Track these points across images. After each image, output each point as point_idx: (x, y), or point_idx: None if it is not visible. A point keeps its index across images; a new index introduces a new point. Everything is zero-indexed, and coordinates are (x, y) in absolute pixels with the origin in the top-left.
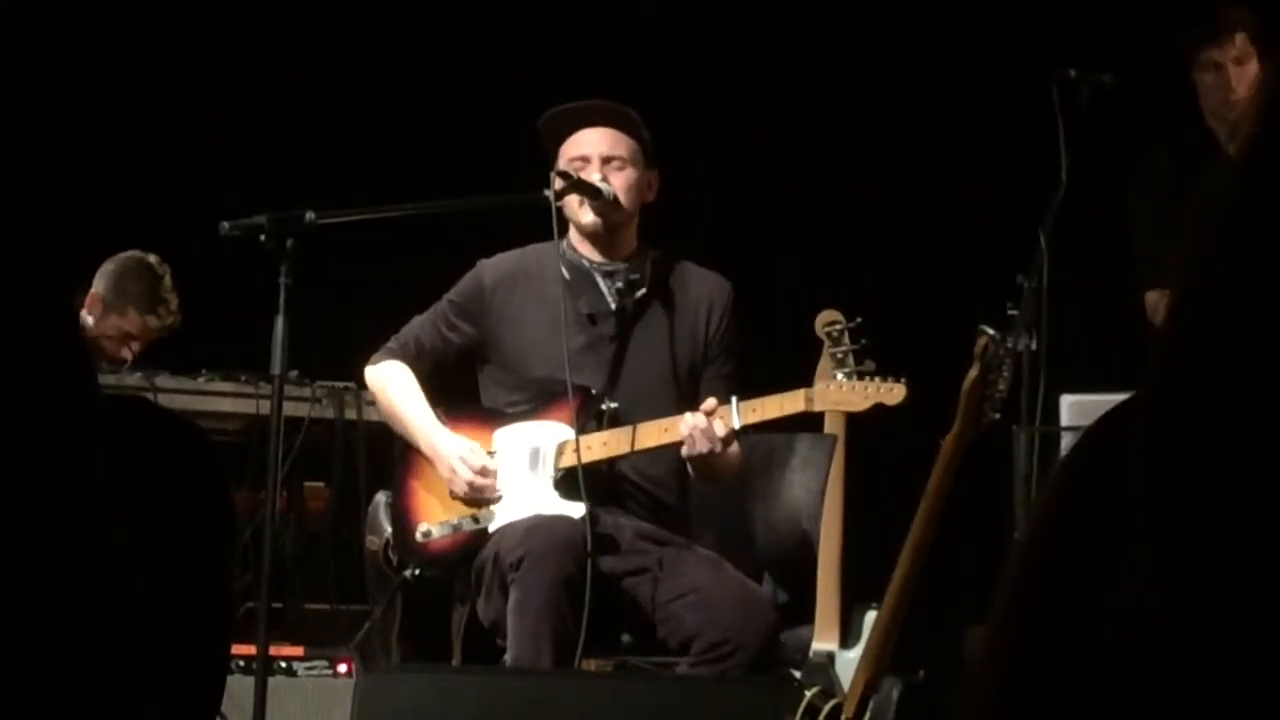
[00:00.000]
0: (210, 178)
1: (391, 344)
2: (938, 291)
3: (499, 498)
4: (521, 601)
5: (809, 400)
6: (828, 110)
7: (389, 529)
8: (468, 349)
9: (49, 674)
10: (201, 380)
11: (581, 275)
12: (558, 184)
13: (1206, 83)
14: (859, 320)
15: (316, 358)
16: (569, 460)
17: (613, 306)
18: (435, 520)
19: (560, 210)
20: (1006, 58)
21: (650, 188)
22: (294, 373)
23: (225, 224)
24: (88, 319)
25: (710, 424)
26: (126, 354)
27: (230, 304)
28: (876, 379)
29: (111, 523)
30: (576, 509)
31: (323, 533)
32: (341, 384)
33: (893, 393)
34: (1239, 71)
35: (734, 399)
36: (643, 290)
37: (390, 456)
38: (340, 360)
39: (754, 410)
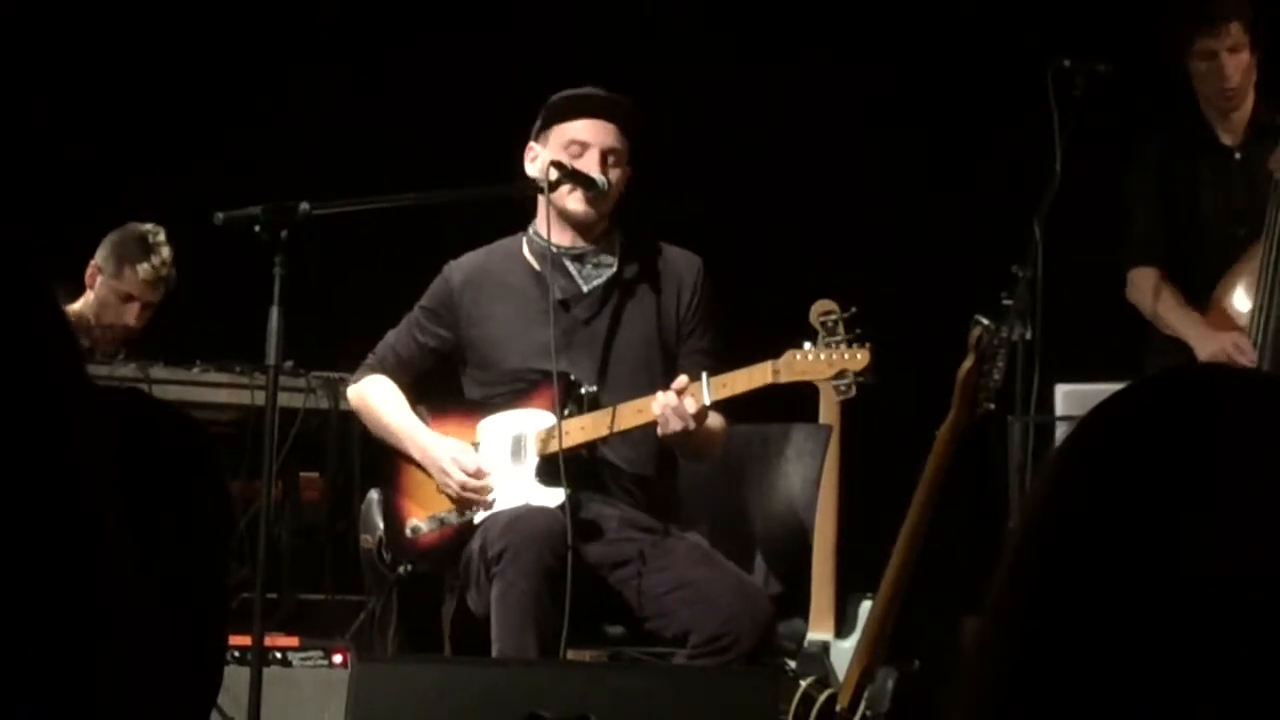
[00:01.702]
0: (205, 169)
1: (370, 359)
2: (932, 281)
3: (493, 501)
4: (504, 594)
5: (775, 372)
6: (822, 100)
7: (381, 526)
8: (444, 352)
9: (49, 669)
10: (196, 371)
11: (549, 261)
12: (553, 174)
13: (1200, 70)
14: (854, 310)
15: (311, 348)
16: (550, 447)
17: (584, 289)
18: (422, 516)
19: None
20: (1002, 47)
21: (624, 184)
22: (289, 363)
23: (220, 215)
24: (89, 295)
25: (681, 402)
26: (129, 319)
27: (225, 295)
28: (841, 345)
29: (108, 517)
30: (557, 496)
31: (318, 523)
32: (336, 374)
33: (857, 358)
34: (1233, 60)
35: (704, 375)
36: (613, 270)
37: (384, 447)
38: (335, 351)
39: (724, 385)
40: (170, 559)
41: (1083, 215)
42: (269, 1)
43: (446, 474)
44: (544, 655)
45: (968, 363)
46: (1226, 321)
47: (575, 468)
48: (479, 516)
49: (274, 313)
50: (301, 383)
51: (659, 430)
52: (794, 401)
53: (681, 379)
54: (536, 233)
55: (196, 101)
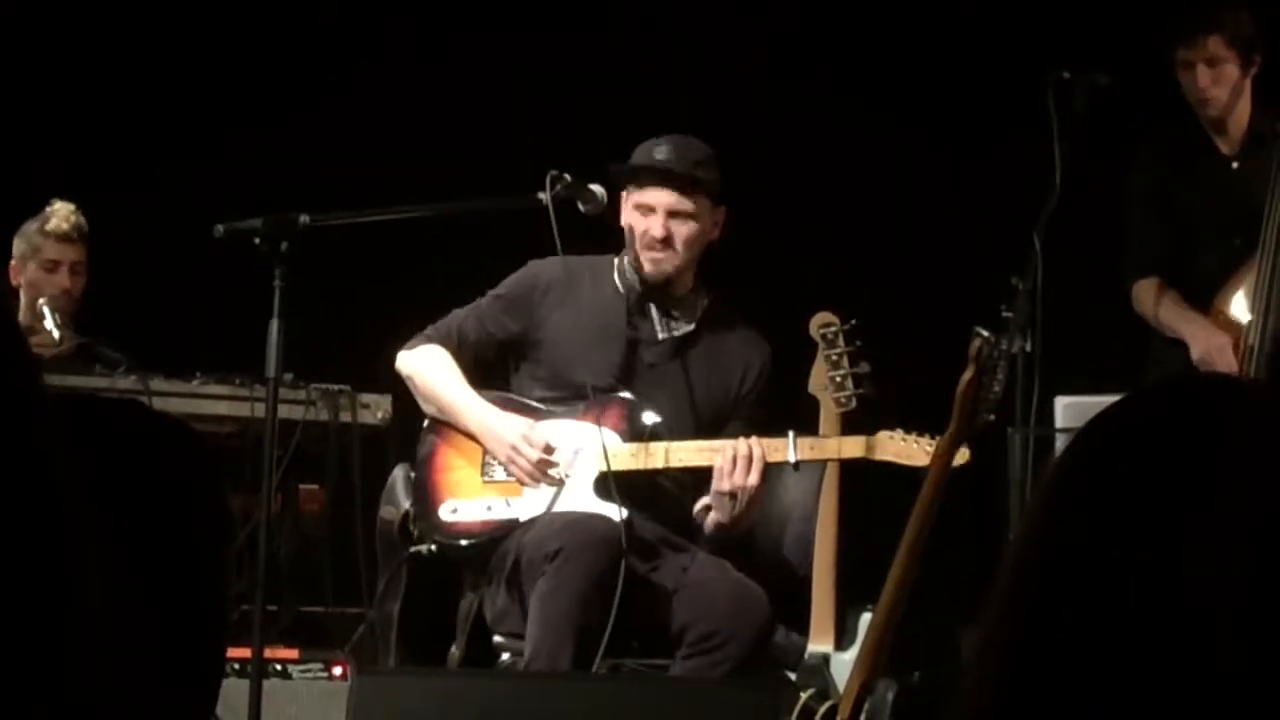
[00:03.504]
0: (205, 180)
1: (430, 331)
2: (932, 293)
3: (562, 480)
4: (553, 592)
5: (869, 448)
6: (823, 112)
7: (407, 503)
8: (509, 344)
9: (19, 694)
10: (196, 383)
11: (636, 297)
12: (554, 187)
13: (1182, 80)
14: (854, 322)
15: (311, 360)
16: (613, 464)
17: (660, 337)
18: (466, 498)
19: (557, 214)
20: (1002, 59)
21: (715, 225)
22: (289, 375)
23: (220, 227)
24: (21, 293)
25: (752, 450)
26: (64, 283)
27: (225, 307)
28: (938, 437)
29: (76, 535)
30: (612, 511)
31: (317, 535)
32: (336, 387)
33: (961, 454)
34: (1210, 73)
35: (790, 433)
36: (690, 329)
37: (384, 460)
38: (335, 363)
39: (811, 448)
40: (168, 570)
41: (1083, 227)
42: (269, 11)
43: (518, 451)
44: (577, 660)
45: (967, 375)
46: (1227, 331)
47: (632, 486)
48: (524, 515)
49: (274, 325)
50: (301, 395)
51: (714, 485)
52: (794, 414)
53: (756, 439)
54: (631, 264)
55: (196, 113)
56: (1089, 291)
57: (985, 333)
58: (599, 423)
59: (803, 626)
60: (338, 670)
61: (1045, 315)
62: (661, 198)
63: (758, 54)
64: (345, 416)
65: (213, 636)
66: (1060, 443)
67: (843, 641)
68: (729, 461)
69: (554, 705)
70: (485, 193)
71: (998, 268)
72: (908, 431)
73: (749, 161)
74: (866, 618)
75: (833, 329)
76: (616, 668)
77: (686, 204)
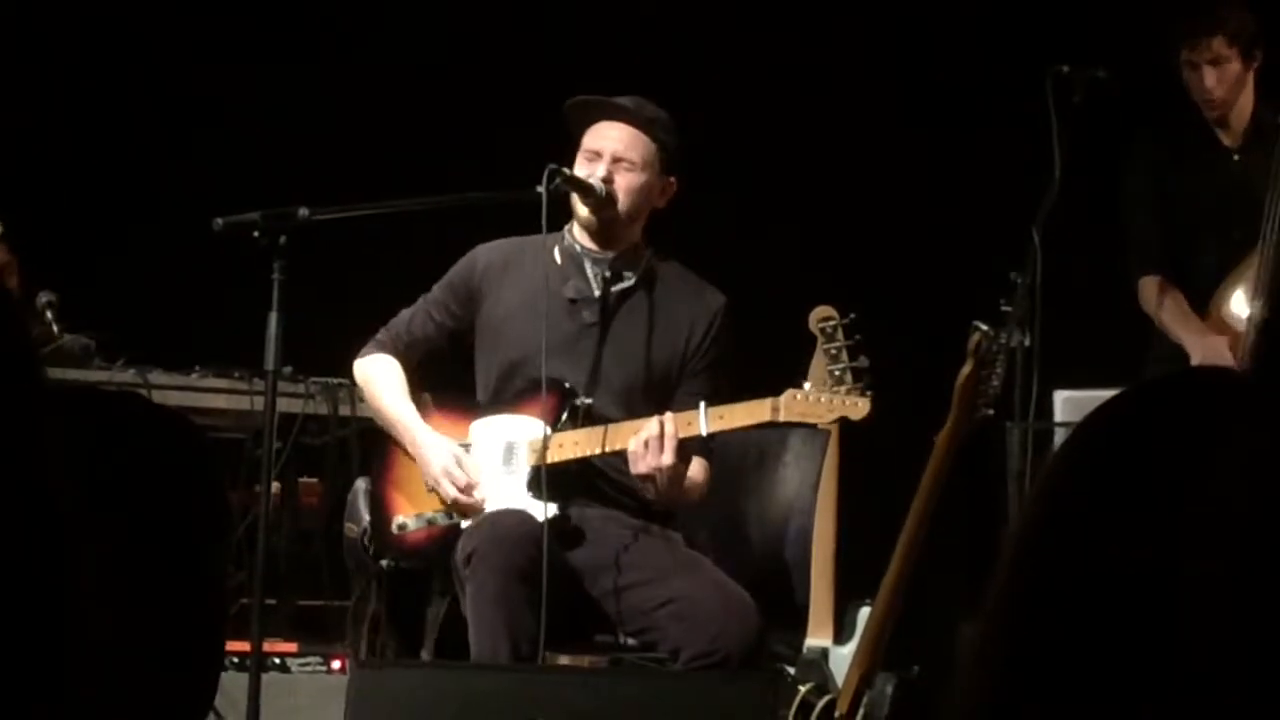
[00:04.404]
0: (204, 174)
1: (381, 335)
2: (932, 287)
3: (483, 513)
4: (476, 595)
5: (774, 410)
6: (822, 106)
7: (367, 517)
8: (458, 333)
9: (19, 694)
10: (195, 376)
11: (572, 260)
12: (553, 180)
13: (1187, 80)
14: (853, 316)
15: (310, 354)
16: (560, 452)
17: (595, 293)
18: (410, 512)
19: (555, 203)
20: (1001, 53)
21: (663, 194)
22: (288, 369)
23: (219, 220)
24: None
25: (663, 429)
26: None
27: (224, 300)
28: (842, 390)
29: (73, 532)
30: (550, 507)
31: (316, 529)
32: (335, 380)
33: (857, 407)
34: (1215, 72)
35: (701, 404)
36: (630, 282)
37: (376, 439)
38: (334, 356)
39: (720, 417)
40: (166, 563)
41: (1082, 221)
42: (268, 6)
43: (439, 483)
44: (518, 658)
45: (966, 369)
46: (1225, 328)
47: (567, 479)
48: (466, 521)
49: (273, 318)
50: (300, 388)
51: (631, 469)
52: None
53: (668, 415)
54: (569, 231)
55: (195, 106)
56: (1088, 286)
57: (984, 327)
58: (536, 413)
59: (801, 620)
60: (336, 664)
61: (1044, 310)
62: (609, 133)
63: (757, 52)
64: (344, 409)
65: (211, 630)
66: (1059, 437)
67: (841, 635)
68: (640, 445)
69: (553, 698)
70: (484, 185)
71: (997, 262)
72: (818, 386)
73: (749, 157)
74: (865, 612)
75: (832, 323)
76: (618, 661)
77: (635, 149)
